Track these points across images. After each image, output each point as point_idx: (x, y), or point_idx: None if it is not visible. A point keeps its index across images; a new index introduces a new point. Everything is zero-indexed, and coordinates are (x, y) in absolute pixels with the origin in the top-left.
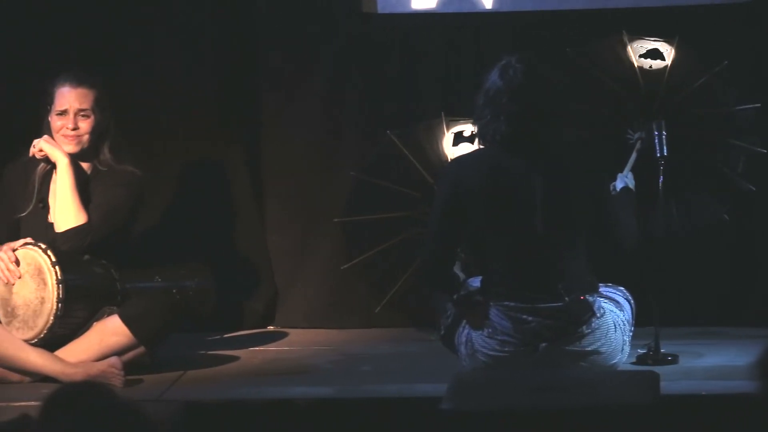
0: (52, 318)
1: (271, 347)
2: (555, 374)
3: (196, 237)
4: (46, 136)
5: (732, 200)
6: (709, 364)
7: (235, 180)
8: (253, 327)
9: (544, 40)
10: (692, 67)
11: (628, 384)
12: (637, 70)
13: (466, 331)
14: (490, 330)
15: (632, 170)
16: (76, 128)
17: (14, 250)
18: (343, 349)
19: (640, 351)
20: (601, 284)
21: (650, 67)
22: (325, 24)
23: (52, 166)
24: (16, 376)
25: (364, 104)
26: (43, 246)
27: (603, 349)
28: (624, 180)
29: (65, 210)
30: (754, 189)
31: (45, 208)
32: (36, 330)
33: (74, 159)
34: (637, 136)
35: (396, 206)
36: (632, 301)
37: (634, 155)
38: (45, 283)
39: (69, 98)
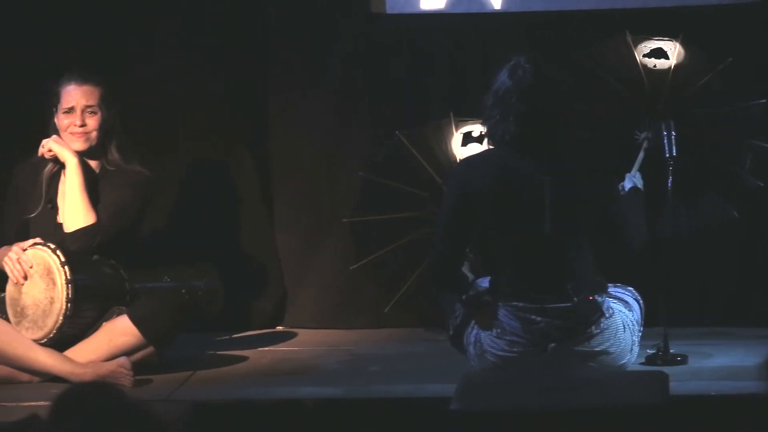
0: (61, 318)
1: (280, 347)
2: (564, 374)
3: (205, 237)
4: (54, 136)
5: (740, 198)
6: (718, 364)
7: (244, 180)
8: (261, 327)
9: (552, 40)
10: (697, 66)
11: (637, 384)
12: (642, 69)
13: (474, 331)
14: (498, 330)
15: (640, 170)
16: (83, 125)
17: (24, 251)
18: (352, 350)
19: (649, 351)
20: (610, 284)
21: (654, 66)
22: (333, 24)
23: (60, 166)
24: (25, 376)
25: (373, 104)
26: (53, 246)
27: (612, 350)
28: (632, 180)
29: (74, 210)
30: (763, 185)
31: (54, 208)
32: (45, 330)
33: (83, 158)
34: (643, 135)
35: (405, 206)
36: (641, 302)
37: (641, 155)
38: (54, 283)
39: (75, 95)
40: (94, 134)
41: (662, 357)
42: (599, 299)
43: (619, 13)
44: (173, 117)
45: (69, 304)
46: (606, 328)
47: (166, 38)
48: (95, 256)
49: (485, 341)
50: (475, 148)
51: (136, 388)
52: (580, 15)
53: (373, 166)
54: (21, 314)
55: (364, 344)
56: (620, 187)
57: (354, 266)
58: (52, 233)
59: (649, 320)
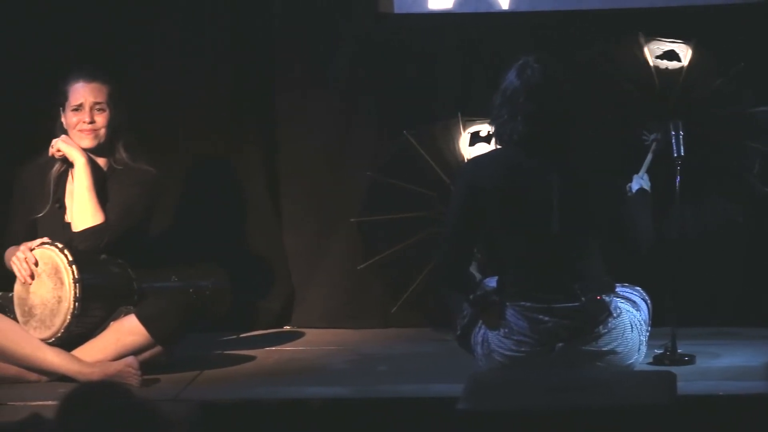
0: (69, 317)
1: (287, 347)
2: (571, 374)
3: (212, 237)
4: (63, 136)
5: (747, 201)
6: (725, 364)
7: (252, 180)
8: (269, 327)
9: (560, 40)
10: (708, 69)
11: (644, 384)
12: (653, 70)
13: (482, 331)
14: (506, 330)
15: (648, 171)
16: (92, 122)
17: (31, 250)
18: (359, 349)
19: (657, 351)
20: (617, 284)
21: (666, 68)
22: (340, 23)
23: (67, 166)
24: (33, 376)
25: (380, 104)
26: (60, 245)
27: (619, 349)
28: (639, 182)
29: (83, 209)
30: None
31: (61, 208)
32: (53, 329)
33: (91, 158)
34: (652, 137)
35: (412, 206)
36: (649, 302)
37: (649, 156)
38: (62, 283)
39: (84, 93)
40: (102, 131)
41: (670, 357)
42: (607, 299)
43: (627, 13)
44: (180, 117)
45: (77, 303)
46: (614, 328)
47: (172, 38)
48: (103, 256)
49: (493, 341)
50: (482, 148)
51: (143, 388)
52: (588, 15)
53: (381, 166)
54: (29, 314)
55: (371, 344)
56: (627, 188)
57: (361, 266)
58: (60, 233)
59: (656, 320)
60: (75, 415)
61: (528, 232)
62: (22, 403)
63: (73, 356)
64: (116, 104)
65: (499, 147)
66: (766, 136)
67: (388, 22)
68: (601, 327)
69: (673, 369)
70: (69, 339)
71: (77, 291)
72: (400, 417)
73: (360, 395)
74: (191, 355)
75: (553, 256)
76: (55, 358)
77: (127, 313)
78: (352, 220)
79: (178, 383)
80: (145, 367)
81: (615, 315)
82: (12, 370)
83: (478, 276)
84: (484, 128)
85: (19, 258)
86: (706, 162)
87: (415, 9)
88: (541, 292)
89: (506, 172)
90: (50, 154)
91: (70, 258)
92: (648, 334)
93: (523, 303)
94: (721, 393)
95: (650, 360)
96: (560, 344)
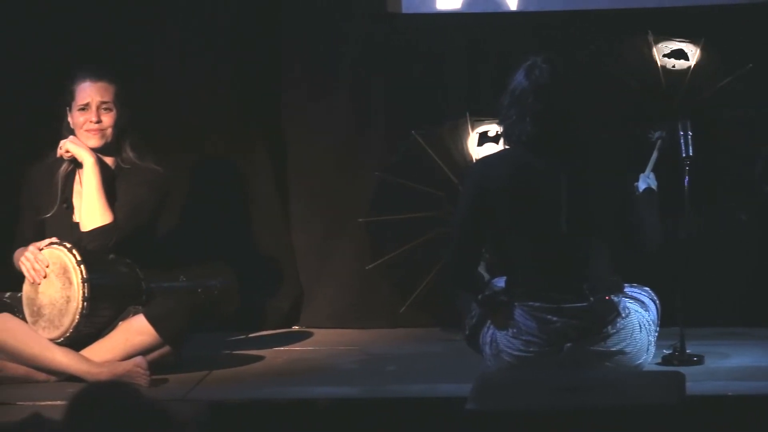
0: (77, 317)
1: (296, 347)
2: (580, 374)
3: (221, 237)
4: (71, 137)
5: (754, 201)
6: (734, 364)
7: (260, 180)
8: (277, 327)
9: (568, 40)
10: (716, 69)
11: (653, 384)
12: (660, 69)
13: (490, 331)
14: (514, 330)
15: (654, 170)
16: (99, 121)
17: (40, 250)
18: (368, 349)
19: (666, 351)
20: (626, 284)
21: (673, 66)
22: (349, 23)
23: (75, 166)
24: (42, 375)
25: (389, 104)
26: (68, 245)
27: (628, 350)
28: (646, 181)
29: (91, 209)
30: None
31: (69, 208)
32: (62, 329)
33: (100, 158)
34: (657, 134)
35: (420, 206)
36: (657, 302)
37: (655, 155)
38: (71, 282)
39: (90, 92)
40: (109, 131)
41: (678, 357)
42: (615, 299)
43: (635, 13)
44: (189, 117)
45: (85, 303)
46: (622, 328)
47: (179, 38)
48: (111, 256)
49: (501, 341)
50: (491, 148)
51: (152, 388)
52: (595, 15)
53: (389, 166)
54: (38, 314)
55: (379, 344)
56: (634, 188)
57: (370, 266)
58: (69, 233)
59: (665, 320)
60: (83, 415)
61: (536, 233)
62: (30, 403)
63: (81, 356)
64: (123, 103)
65: (507, 147)
66: None
67: (396, 22)
68: (609, 327)
69: (682, 369)
70: (77, 339)
71: (86, 291)
72: (408, 417)
73: (368, 395)
74: (200, 355)
75: (562, 256)
76: (63, 358)
77: (135, 313)
78: (360, 220)
79: (186, 383)
80: (154, 367)
81: (623, 315)
82: (21, 370)
83: (486, 276)
84: (493, 128)
85: (28, 258)
86: (713, 161)
87: (423, 9)
88: (550, 292)
89: (514, 173)
90: (58, 155)
91: (79, 258)
92: (656, 334)
93: (531, 303)
94: (730, 393)
95: (659, 360)
96: (569, 344)
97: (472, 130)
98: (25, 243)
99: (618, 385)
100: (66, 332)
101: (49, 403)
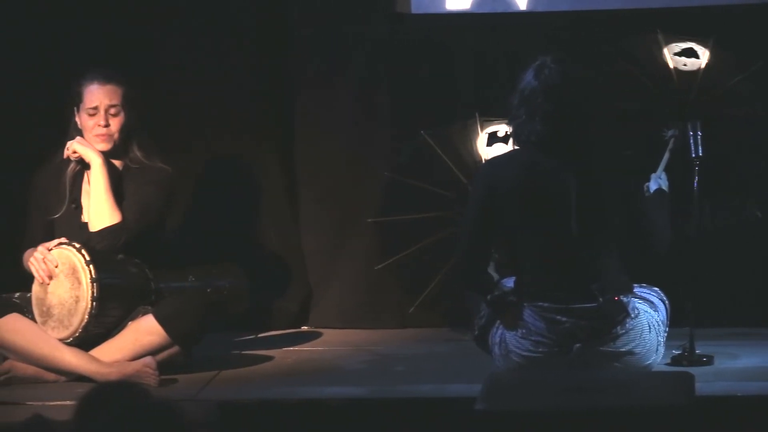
0: (87, 317)
1: (305, 347)
2: (589, 375)
3: (230, 237)
4: (78, 138)
5: (765, 200)
6: (744, 365)
7: (269, 180)
8: (286, 327)
9: (578, 40)
10: (727, 67)
11: (662, 385)
12: (672, 69)
13: (500, 331)
14: (524, 330)
15: (666, 170)
16: (107, 125)
17: (49, 251)
18: (377, 350)
19: (675, 352)
20: (635, 285)
21: (684, 65)
22: (359, 24)
23: (82, 166)
24: (51, 376)
25: (398, 104)
26: (77, 245)
27: (637, 350)
28: (657, 181)
29: (100, 209)
30: None
31: (78, 208)
32: (71, 329)
33: (107, 158)
34: (670, 134)
35: (430, 206)
36: (667, 302)
37: (667, 155)
38: (80, 282)
39: (99, 96)
40: (117, 135)
41: (688, 357)
42: (625, 299)
43: (645, 13)
44: (199, 117)
45: (94, 303)
46: (631, 329)
47: (191, 38)
48: (120, 256)
49: (510, 341)
50: (500, 148)
51: (161, 388)
52: (605, 15)
53: (398, 166)
54: (47, 314)
55: (388, 344)
56: (645, 188)
57: (379, 266)
58: (77, 233)
59: (674, 320)
60: (92, 416)
61: (546, 233)
62: (40, 403)
63: (90, 356)
64: (131, 105)
65: (516, 147)
66: None
67: (406, 22)
68: (618, 328)
69: (691, 370)
70: (87, 339)
71: (95, 290)
72: (417, 417)
73: (377, 395)
74: (209, 355)
75: (571, 257)
76: (72, 358)
77: (144, 313)
78: (369, 220)
79: (195, 383)
80: (163, 367)
81: (633, 316)
82: (30, 370)
83: (495, 276)
84: (502, 128)
85: (36, 258)
86: (723, 160)
87: (433, 9)
88: (559, 292)
89: (524, 173)
90: (65, 155)
91: (88, 258)
92: (666, 334)
93: (540, 303)
94: (739, 394)
95: (668, 361)
96: (578, 345)
97: (482, 130)
98: (35, 243)
99: (627, 385)
100: (75, 332)
101: (59, 403)
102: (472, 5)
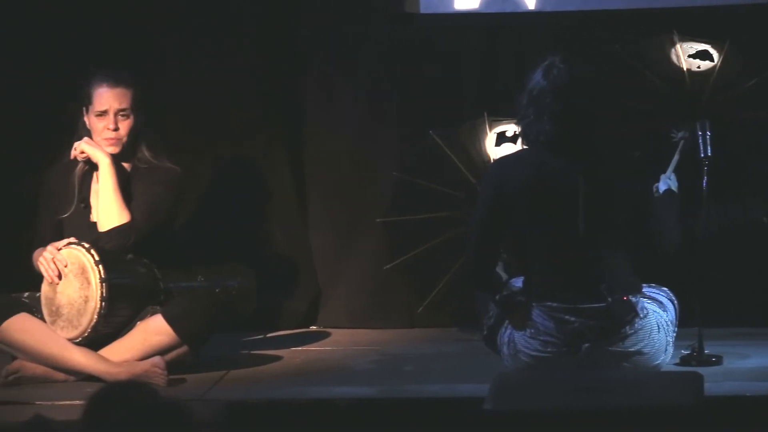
0: (96, 316)
1: (314, 347)
2: (597, 375)
3: (238, 237)
4: (86, 138)
5: None
6: (753, 365)
7: (278, 180)
8: (295, 327)
9: (587, 40)
10: (741, 69)
11: (671, 385)
12: (685, 70)
13: (508, 331)
14: (532, 330)
15: (675, 171)
16: (116, 129)
17: (58, 250)
18: (385, 349)
19: (684, 352)
20: (644, 285)
21: (698, 67)
22: (367, 23)
23: (91, 166)
24: (60, 375)
25: (407, 104)
26: (87, 245)
27: (646, 350)
28: (667, 182)
29: (108, 209)
30: None
31: (87, 207)
32: (80, 329)
33: (116, 160)
34: (680, 135)
35: (438, 206)
36: (676, 302)
37: (677, 156)
38: (89, 282)
39: (108, 99)
40: (126, 138)
41: (697, 357)
42: (633, 299)
43: (655, 12)
44: (207, 117)
45: (103, 303)
46: (640, 329)
47: (200, 38)
48: (129, 256)
49: (519, 341)
50: (509, 148)
51: (170, 388)
52: (614, 15)
53: (407, 166)
54: (56, 313)
55: (397, 344)
56: (655, 189)
57: (387, 266)
58: (86, 232)
59: (683, 321)
60: (101, 415)
61: (554, 233)
62: (49, 403)
63: (99, 356)
64: (140, 107)
65: (525, 147)
66: None
67: (414, 22)
68: (627, 327)
69: (700, 370)
70: (96, 339)
71: (104, 291)
72: (425, 417)
73: (386, 395)
74: (217, 355)
75: (580, 257)
76: (81, 358)
77: (153, 313)
78: (378, 220)
79: (204, 383)
80: (172, 367)
81: (642, 315)
82: (39, 369)
83: (504, 276)
84: (511, 128)
85: (46, 258)
86: (733, 162)
87: (441, 9)
88: (568, 292)
89: (532, 172)
90: (73, 156)
91: (97, 258)
92: (675, 334)
93: (549, 303)
94: (748, 394)
95: (677, 361)
96: (586, 345)
97: (490, 130)
98: (44, 243)
99: (636, 385)
100: (84, 332)
101: (67, 402)
102: (481, 5)
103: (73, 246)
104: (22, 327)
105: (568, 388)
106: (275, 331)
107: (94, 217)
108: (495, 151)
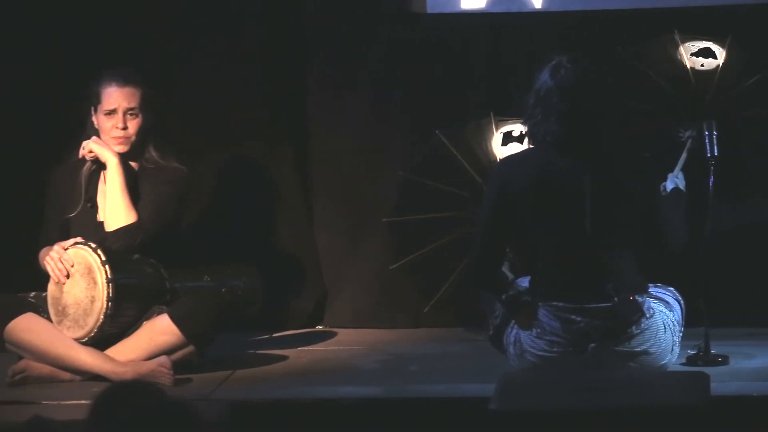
0: (102, 317)
1: (319, 347)
2: (604, 375)
3: (245, 237)
4: (94, 137)
5: None
6: (759, 365)
7: (284, 180)
8: (300, 327)
9: (593, 39)
10: (744, 67)
11: (677, 385)
12: (689, 69)
13: (514, 331)
14: (538, 330)
15: (683, 170)
16: (125, 128)
17: (65, 250)
18: (391, 349)
19: (690, 352)
20: (650, 284)
21: (702, 65)
22: (374, 23)
23: (98, 166)
24: (67, 375)
25: (413, 104)
26: (93, 245)
27: (652, 350)
28: (674, 181)
29: (116, 209)
30: None
31: (93, 207)
32: (86, 329)
33: (124, 159)
34: (687, 134)
35: (444, 206)
36: (682, 302)
37: (684, 155)
38: (95, 282)
39: (117, 98)
40: (134, 137)
41: (703, 357)
42: (640, 299)
43: (660, 12)
44: (213, 117)
45: (110, 303)
46: (646, 329)
47: (206, 38)
48: (136, 255)
49: (525, 341)
50: (515, 148)
51: (176, 388)
52: (620, 14)
53: (413, 166)
54: (62, 313)
55: (403, 344)
56: (662, 188)
57: (393, 266)
58: (93, 232)
59: (689, 320)
60: (107, 415)
61: (560, 232)
62: (55, 402)
63: (106, 356)
64: (148, 107)
65: (531, 147)
66: None
67: (421, 21)
68: (633, 327)
69: (707, 370)
70: (102, 338)
71: (110, 291)
72: (431, 417)
73: (391, 395)
74: (223, 354)
75: (586, 256)
76: (88, 358)
77: (159, 313)
78: (384, 220)
79: (210, 383)
80: (178, 366)
81: (648, 315)
82: (45, 369)
83: (510, 276)
84: (517, 128)
85: (53, 258)
86: (740, 161)
87: (448, 9)
88: (574, 292)
89: (539, 172)
90: (80, 155)
91: (103, 258)
92: (681, 334)
93: (555, 303)
94: (754, 394)
95: (683, 360)
96: (593, 345)
97: (497, 129)
98: (50, 243)
99: (642, 385)
100: (90, 332)
101: (74, 402)
102: (487, 4)
103: (79, 246)
104: (28, 327)
105: (574, 388)
106: (281, 331)
107: (101, 217)
108: (501, 151)
